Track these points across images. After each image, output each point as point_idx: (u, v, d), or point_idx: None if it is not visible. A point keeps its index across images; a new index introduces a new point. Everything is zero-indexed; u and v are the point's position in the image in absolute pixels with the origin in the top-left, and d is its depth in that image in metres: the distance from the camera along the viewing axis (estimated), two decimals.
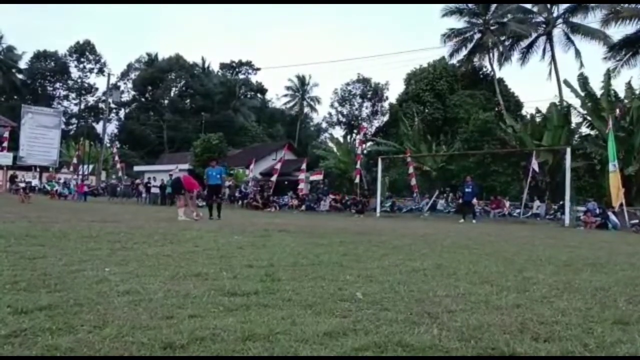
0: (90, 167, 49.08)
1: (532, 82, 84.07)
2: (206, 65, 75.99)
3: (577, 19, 38.24)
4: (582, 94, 27.75)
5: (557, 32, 39.26)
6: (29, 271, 4.37)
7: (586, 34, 37.22)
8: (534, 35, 40.31)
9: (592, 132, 29.34)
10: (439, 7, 42.96)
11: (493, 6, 40.03)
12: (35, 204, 21.21)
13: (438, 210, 28.80)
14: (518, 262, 6.62)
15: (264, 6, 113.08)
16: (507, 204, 26.92)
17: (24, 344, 2.48)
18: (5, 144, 43.93)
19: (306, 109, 76.50)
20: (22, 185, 32.96)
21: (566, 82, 29.85)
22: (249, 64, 77.04)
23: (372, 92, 61.03)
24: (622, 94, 27.79)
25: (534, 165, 24.42)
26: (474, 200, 22.82)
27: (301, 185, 34.32)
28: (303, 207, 31.15)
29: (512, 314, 3.51)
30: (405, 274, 5.20)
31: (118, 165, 42.96)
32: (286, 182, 38.42)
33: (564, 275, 5.55)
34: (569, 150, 21.80)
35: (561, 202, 22.89)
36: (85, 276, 4.26)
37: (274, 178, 34.26)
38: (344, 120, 62.91)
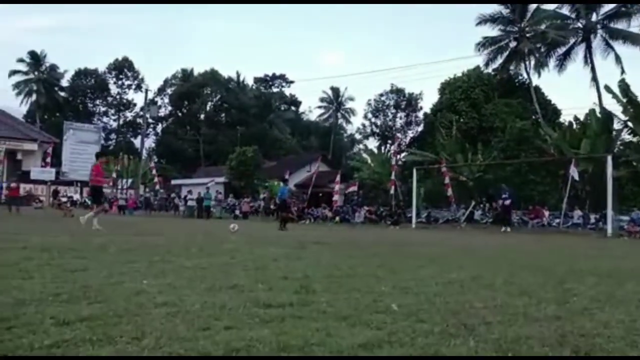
0: (130, 181, 50.16)
1: (571, 89, 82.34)
2: (241, 79, 76.96)
3: (616, 24, 37.44)
4: (624, 100, 27.08)
5: (596, 38, 38.48)
6: (71, 283, 4.47)
7: (626, 39, 36.37)
8: (571, 41, 39.59)
9: (635, 139, 28.56)
10: (472, 17, 42.40)
11: (528, 13, 39.52)
12: (77, 218, 21.73)
13: (475, 220, 28.43)
14: (558, 273, 6.47)
15: (297, 20, 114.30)
16: (547, 213, 26.37)
17: (66, 354, 2.54)
18: (48, 160, 45.43)
19: (340, 121, 76.77)
20: (64, 199, 33.94)
21: (607, 88, 29.21)
22: (282, 77, 77.71)
23: (406, 102, 60.77)
24: None
25: (574, 173, 23.87)
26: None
27: (335, 197, 34.31)
28: (337, 219, 31.12)
29: (551, 326, 3.42)
30: (442, 285, 5.14)
31: (155, 179, 43.77)
32: (321, 194, 38.48)
33: (607, 286, 5.40)
34: (609, 158, 21.28)
35: (603, 212, 22.32)
36: (124, 288, 4.34)
37: (308, 190, 34.38)
38: (377, 131, 62.79)
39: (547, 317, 3.69)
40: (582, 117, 33.09)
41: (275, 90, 78.20)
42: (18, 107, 67.54)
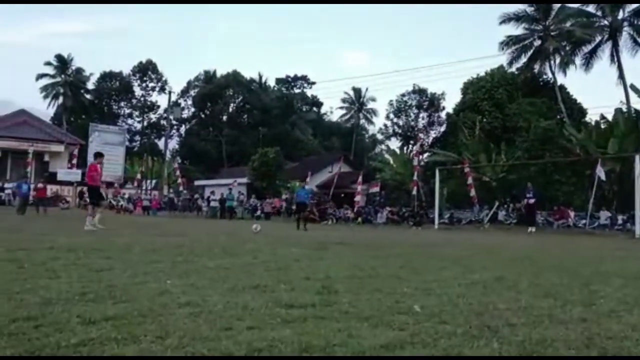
0: (154, 182, 50.72)
1: (597, 88, 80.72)
2: (263, 80, 77.29)
3: None
4: None
5: (623, 36, 37.80)
6: (96, 283, 4.54)
7: None
8: (597, 39, 38.90)
9: None
10: (495, 15, 42.04)
11: (553, 11, 38.93)
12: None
13: (499, 221, 28.12)
14: (584, 275, 6.36)
15: (318, 22, 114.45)
16: (572, 214, 25.96)
17: (92, 353, 2.58)
18: (74, 161, 46.25)
19: (361, 121, 76.68)
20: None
21: (633, 87, 28.69)
22: (304, 78, 77.87)
23: (428, 102, 60.40)
24: None
25: (600, 173, 23.44)
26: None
27: (357, 198, 34.24)
28: (359, 220, 31.05)
29: (577, 328, 3.37)
30: (464, 286, 5.09)
31: (179, 180, 44.20)
32: (343, 195, 38.46)
33: (634, 288, 5.28)
34: (638, 157, 20.87)
35: (631, 212, 21.92)
36: (148, 288, 4.39)
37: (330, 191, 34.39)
38: (399, 131, 62.51)
39: (573, 319, 3.63)
40: (609, 117, 32.54)
41: (297, 91, 78.41)
42: (45, 109, 68.96)
